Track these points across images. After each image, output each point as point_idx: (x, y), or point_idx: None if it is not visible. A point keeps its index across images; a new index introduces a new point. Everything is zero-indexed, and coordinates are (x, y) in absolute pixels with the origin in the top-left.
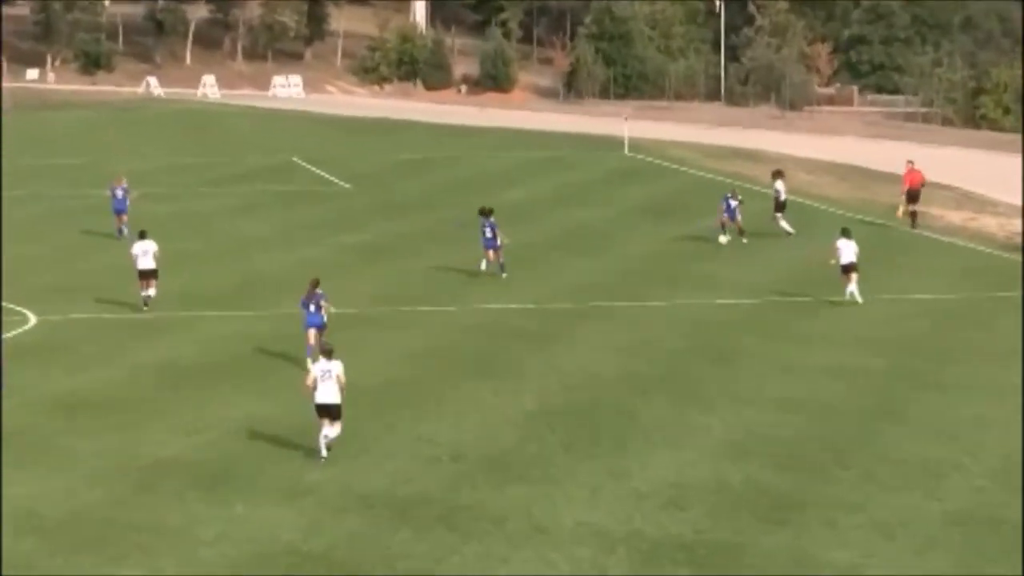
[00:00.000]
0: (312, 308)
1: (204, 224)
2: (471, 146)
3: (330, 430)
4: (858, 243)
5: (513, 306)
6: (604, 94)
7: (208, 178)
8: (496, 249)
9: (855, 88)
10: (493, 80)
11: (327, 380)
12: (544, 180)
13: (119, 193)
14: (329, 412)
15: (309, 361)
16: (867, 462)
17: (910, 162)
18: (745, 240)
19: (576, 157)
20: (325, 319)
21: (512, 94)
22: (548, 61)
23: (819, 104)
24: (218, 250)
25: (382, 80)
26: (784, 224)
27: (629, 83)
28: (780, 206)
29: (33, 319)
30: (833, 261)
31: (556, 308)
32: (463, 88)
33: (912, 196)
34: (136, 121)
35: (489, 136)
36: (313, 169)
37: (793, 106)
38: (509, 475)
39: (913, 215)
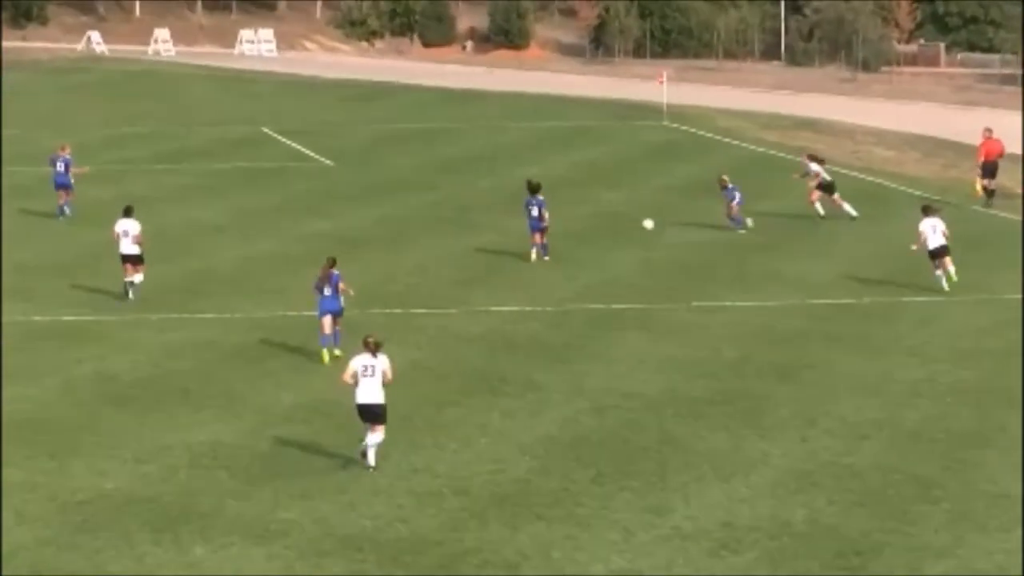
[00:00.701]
0: (328, 292)
1: (150, 209)
2: (478, 115)
3: (373, 437)
4: (951, 228)
5: (528, 309)
6: (639, 52)
7: (158, 153)
8: (543, 231)
9: (942, 46)
10: (505, 35)
11: (370, 377)
12: (566, 156)
13: (60, 165)
14: (372, 414)
15: (324, 352)
16: (958, 498)
17: (988, 130)
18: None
19: (605, 128)
20: (343, 304)
21: (527, 52)
22: (571, 13)
23: (898, 65)
24: (167, 240)
25: (371, 35)
26: (848, 207)
27: (669, 39)
28: (830, 187)
29: None
30: (915, 247)
31: (581, 312)
32: (468, 45)
33: (988, 170)
34: (74, 85)
35: (499, 103)
36: (287, 142)
37: (867, 67)
38: (524, 513)
39: (989, 191)
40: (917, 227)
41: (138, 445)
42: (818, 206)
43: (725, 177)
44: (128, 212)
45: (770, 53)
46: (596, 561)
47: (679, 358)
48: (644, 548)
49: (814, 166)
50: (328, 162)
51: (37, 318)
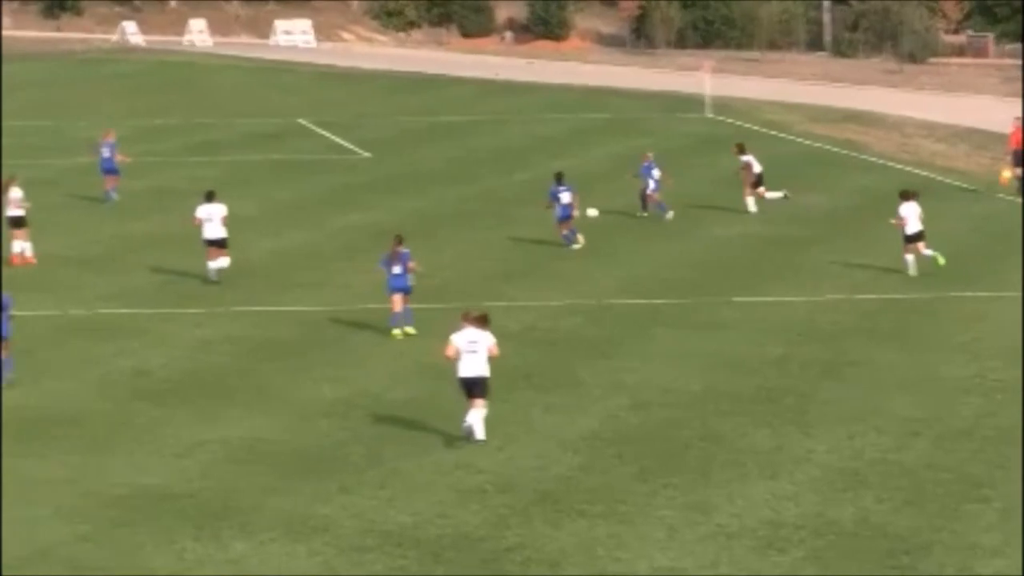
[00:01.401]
0: (397, 269)
1: (183, 202)
2: (516, 106)
3: (476, 413)
4: (1001, 223)
5: (568, 303)
6: (680, 42)
7: (192, 145)
8: (570, 219)
9: (990, 36)
10: (544, 25)
11: (474, 352)
12: (606, 148)
13: (106, 151)
14: (476, 387)
15: (396, 331)
16: (1008, 496)
17: (1018, 119)
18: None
19: (646, 120)
20: (412, 281)
21: (567, 43)
22: (611, 2)
23: (946, 56)
24: (196, 235)
25: (409, 25)
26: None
27: (711, 29)
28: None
29: None
30: (893, 221)
31: (622, 307)
32: (507, 35)
33: (1020, 158)
34: (108, 76)
35: (538, 94)
36: (324, 134)
37: (913, 58)
38: (567, 510)
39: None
40: (898, 211)
41: (176, 440)
42: (750, 201)
43: (650, 154)
44: (211, 197)
45: (814, 44)
46: (640, 559)
47: (721, 354)
48: (688, 546)
49: (744, 158)
50: (365, 154)
51: (72, 312)
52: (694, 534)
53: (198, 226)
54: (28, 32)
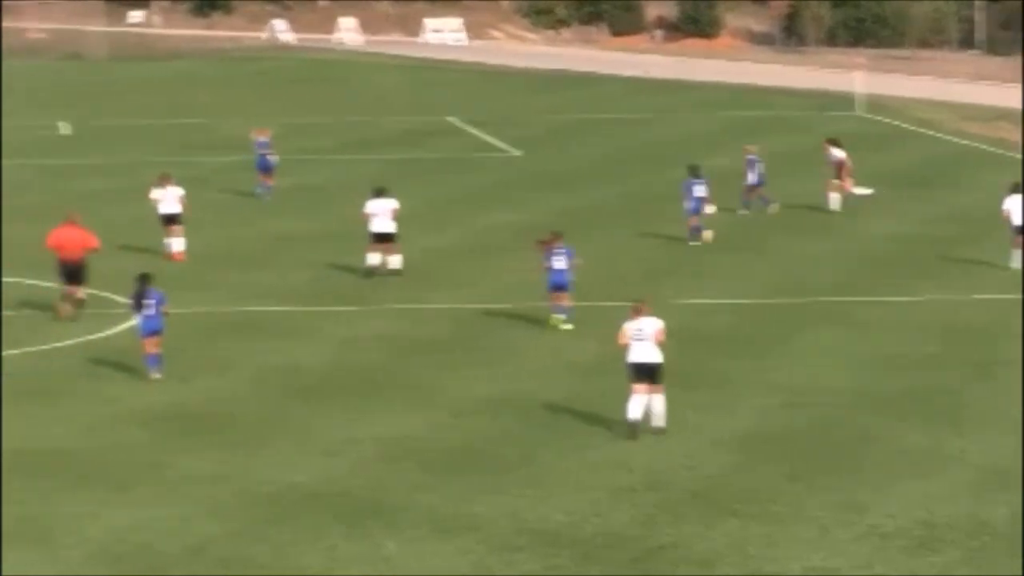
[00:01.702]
0: (555, 264)
1: (331, 199)
2: (667, 104)
3: (655, 402)
4: None
5: (715, 302)
6: (831, 41)
7: (341, 143)
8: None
9: None
10: (694, 24)
11: (641, 340)
12: (756, 146)
13: (261, 148)
14: (648, 372)
15: (562, 320)
16: None
17: None
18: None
19: (796, 118)
20: (571, 276)
21: (718, 41)
22: (763, 0)
23: None
24: (348, 233)
25: (559, 24)
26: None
27: (862, 27)
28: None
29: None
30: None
31: (774, 305)
32: (658, 34)
33: None
34: (257, 74)
35: (689, 92)
36: (474, 132)
37: None
38: (719, 509)
39: None
40: (1002, 204)
41: (327, 438)
42: (833, 198)
43: (752, 147)
44: (380, 192)
45: (965, 42)
46: (792, 559)
47: (874, 353)
48: (841, 546)
49: (835, 152)
50: (516, 152)
51: (223, 310)
52: (847, 534)
53: (368, 220)
54: (178, 30)
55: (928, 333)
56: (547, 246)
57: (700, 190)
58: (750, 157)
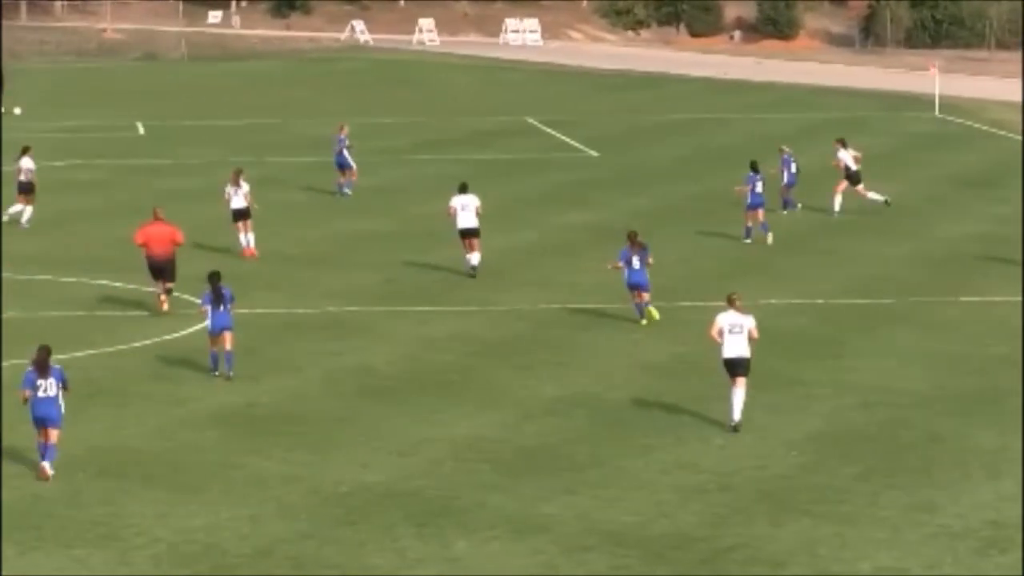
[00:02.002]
0: (636, 264)
1: (405, 200)
2: (745, 105)
3: (737, 394)
4: None
5: (794, 302)
6: (909, 42)
7: (418, 143)
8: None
9: None
10: (773, 25)
11: (737, 334)
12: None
13: (339, 145)
14: (739, 367)
15: (650, 312)
16: None
17: None
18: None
19: (874, 119)
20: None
21: (796, 42)
22: (841, 1)
23: None
24: (425, 231)
25: (637, 24)
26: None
27: (940, 28)
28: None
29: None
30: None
31: (845, 306)
32: (736, 35)
33: None
34: (334, 74)
35: (767, 93)
36: (551, 132)
37: None
38: (790, 509)
39: None
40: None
41: (399, 438)
42: (837, 200)
43: (786, 148)
44: (464, 188)
45: None
46: (862, 559)
47: (947, 353)
48: (911, 546)
49: (841, 152)
50: (593, 152)
51: (298, 309)
52: (917, 534)
53: (452, 216)
54: (257, 31)
55: (999, 334)
56: (629, 246)
57: (760, 186)
58: (785, 157)
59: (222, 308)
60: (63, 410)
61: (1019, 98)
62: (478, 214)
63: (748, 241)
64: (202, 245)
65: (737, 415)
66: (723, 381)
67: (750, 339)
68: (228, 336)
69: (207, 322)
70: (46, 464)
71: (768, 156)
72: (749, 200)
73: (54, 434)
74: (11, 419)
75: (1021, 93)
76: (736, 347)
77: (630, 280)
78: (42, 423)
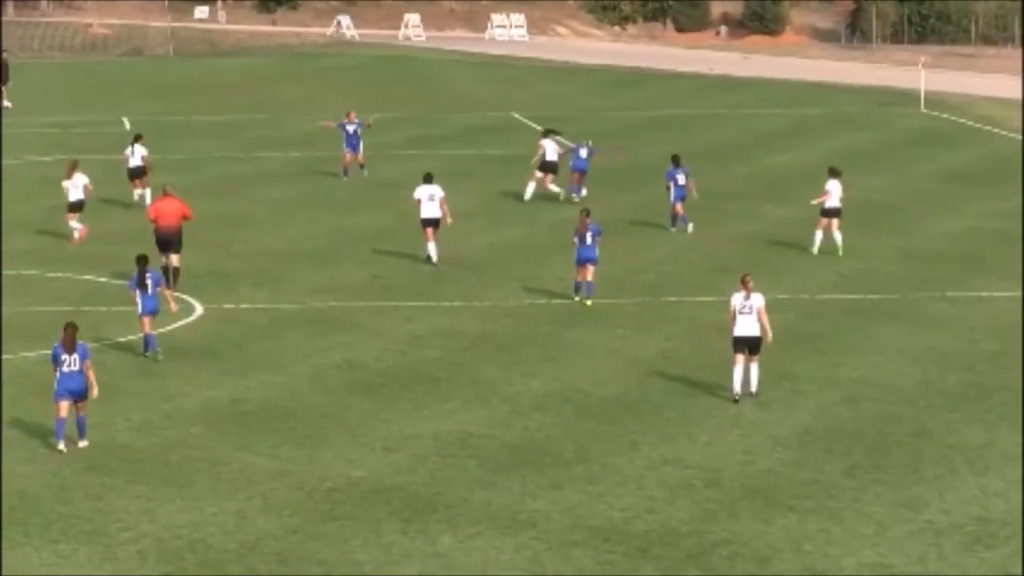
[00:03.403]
0: (589, 239)
1: (393, 195)
2: (732, 101)
3: (752, 371)
4: None
5: (783, 298)
6: (896, 38)
7: (405, 139)
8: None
9: None
10: (759, 20)
11: (747, 314)
12: (821, 143)
13: (351, 129)
14: (749, 344)
15: (584, 301)
16: None
17: None
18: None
19: (861, 115)
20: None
21: (783, 37)
22: None
23: None
24: (410, 228)
25: (624, 20)
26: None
27: (926, 24)
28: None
29: (199, 309)
30: (814, 201)
31: (837, 301)
32: (723, 30)
33: None
34: (320, 70)
35: (754, 89)
36: (537, 128)
37: None
38: (776, 505)
39: None
40: (824, 185)
41: (386, 434)
42: (529, 188)
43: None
44: (429, 179)
45: None
46: (848, 555)
47: (935, 350)
48: (897, 542)
49: (544, 141)
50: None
51: (285, 306)
52: (903, 530)
53: (417, 206)
54: (243, 26)
55: (987, 330)
56: (579, 225)
57: (682, 179)
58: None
59: (149, 292)
60: (93, 380)
61: (1006, 94)
62: (442, 205)
63: (673, 230)
64: (191, 240)
65: (738, 387)
66: (709, 377)
67: (760, 318)
68: (153, 319)
69: (138, 304)
70: (83, 442)
71: (755, 152)
72: (673, 193)
73: (82, 406)
74: None
75: (1021, 92)
76: (745, 326)
77: (580, 256)
78: (70, 395)
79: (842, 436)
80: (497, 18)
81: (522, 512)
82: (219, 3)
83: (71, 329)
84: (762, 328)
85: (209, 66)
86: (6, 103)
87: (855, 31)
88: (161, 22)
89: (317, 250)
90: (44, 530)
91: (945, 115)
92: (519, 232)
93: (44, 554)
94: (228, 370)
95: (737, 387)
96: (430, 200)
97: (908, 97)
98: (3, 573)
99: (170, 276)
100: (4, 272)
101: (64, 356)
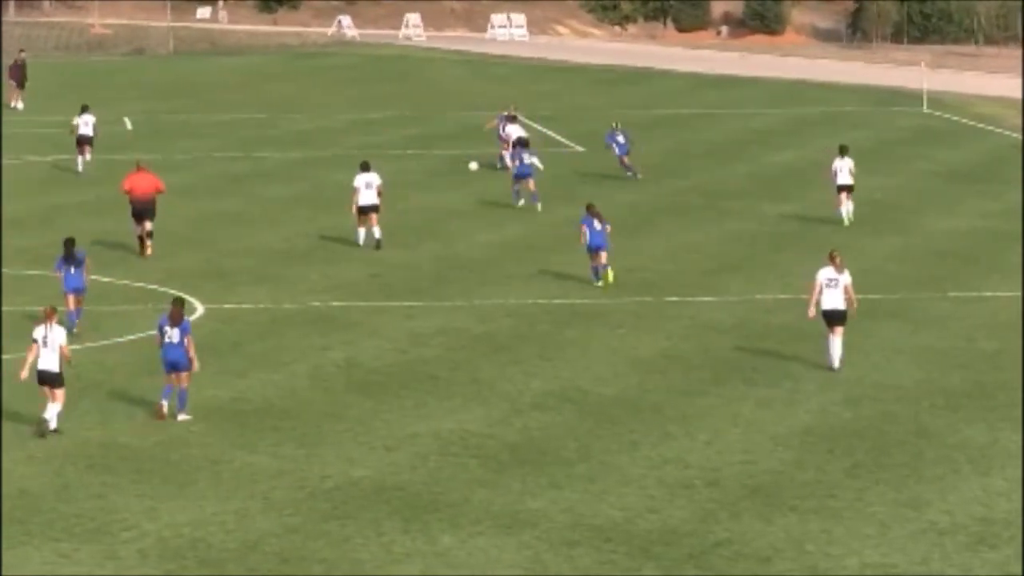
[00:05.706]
0: (597, 225)
1: (394, 194)
2: (732, 100)
3: (835, 342)
4: None
5: (782, 297)
6: (897, 37)
7: (404, 138)
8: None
9: None
10: (760, 19)
11: (834, 288)
12: (821, 141)
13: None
14: (836, 318)
15: (606, 276)
16: None
17: None
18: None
19: (862, 114)
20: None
21: (783, 37)
22: None
23: None
24: (413, 226)
25: (624, 19)
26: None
27: (928, 24)
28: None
29: (200, 309)
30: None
31: None
32: (723, 30)
33: None
34: (320, 69)
35: (754, 88)
36: (538, 127)
37: None
38: (777, 504)
39: None
40: (832, 165)
41: (386, 433)
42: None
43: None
44: (366, 167)
45: None
46: (850, 555)
47: (936, 348)
48: (899, 542)
49: (509, 128)
50: (579, 148)
51: (284, 305)
52: (905, 530)
53: (355, 195)
54: (244, 26)
55: (988, 329)
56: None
57: (622, 138)
58: (609, 132)
59: (73, 270)
60: (192, 355)
61: (1006, 93)
62: (379, 193)
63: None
64: (190, 239)
65: (836, 361)
66: (709, 376)
67: (845, 294)
68: (80, 297)
69: (62, 283)
70: (182, 415)
71: (755, 151)
72: (617, 150)
73: (184, 377)
74: None
75: (1022, 91)
76: (832, 299)
77: (591, 242)
78: (172, 367)
79: (843, 436)
80: (497, 18)
81: (522, 511)
82: (220, 3)
83: (179, 304)
84: (848, 301)
85: (210, 65)
86: (19, 104)
87: (856, 30)
88: (162, 22)
89: (316, 249)
90: (45, 529)
91: (946, 114)
92: (519, 232)
93: (45, 553)
94: (228, 369)
95: (835, 361)
96: (367, 188)
97: (909, 96)
98: (4, 572)
99: (145, 237)
100: (5, 271)
101: (167, 328)
